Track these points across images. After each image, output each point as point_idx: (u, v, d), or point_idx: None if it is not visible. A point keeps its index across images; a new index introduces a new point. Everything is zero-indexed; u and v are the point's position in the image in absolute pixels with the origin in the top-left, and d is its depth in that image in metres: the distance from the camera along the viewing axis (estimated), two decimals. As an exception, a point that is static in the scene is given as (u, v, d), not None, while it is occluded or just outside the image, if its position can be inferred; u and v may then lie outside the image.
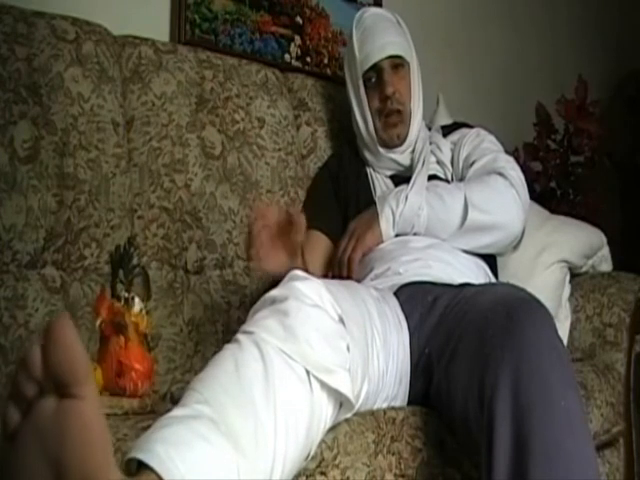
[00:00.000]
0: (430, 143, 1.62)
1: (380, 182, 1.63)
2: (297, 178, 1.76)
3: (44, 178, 1.35)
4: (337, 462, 0.93)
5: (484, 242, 1.44)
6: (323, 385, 0.89)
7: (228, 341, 0.91)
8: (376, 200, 1.50)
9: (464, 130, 1.65)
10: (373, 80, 1.59)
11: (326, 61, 2.08)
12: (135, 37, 1.60)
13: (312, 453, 0.90)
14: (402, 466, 1.01)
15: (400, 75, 1.59)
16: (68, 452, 0.63)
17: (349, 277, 1.40)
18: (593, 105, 2.47)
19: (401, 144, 1.60)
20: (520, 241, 1.52)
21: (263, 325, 0.90)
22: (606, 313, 1.78)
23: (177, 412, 0.80)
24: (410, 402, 1.17)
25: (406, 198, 1.42)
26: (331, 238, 1.60)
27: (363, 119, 1.63)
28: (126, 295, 1.13)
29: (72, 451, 0.63)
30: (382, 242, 1.43)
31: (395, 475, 1.00)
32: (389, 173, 1.64)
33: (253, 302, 0.99)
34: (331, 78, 2.04)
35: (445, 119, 1.98)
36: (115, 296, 1.13)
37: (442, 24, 2.50)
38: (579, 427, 0.90)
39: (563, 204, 2.40)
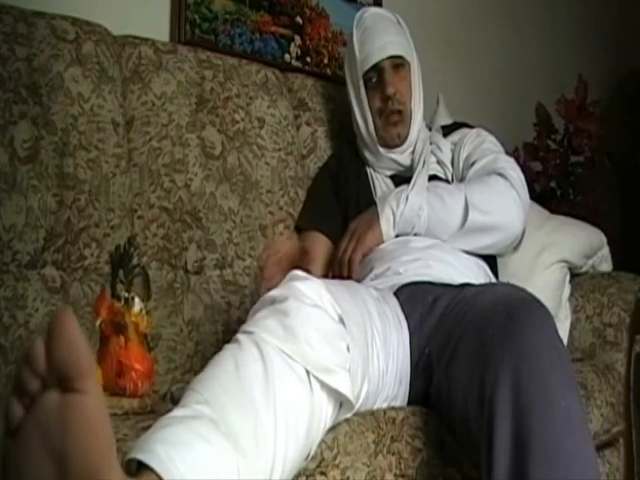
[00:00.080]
0: (430, 143, 1.62)
1: (380, 182, 1.63)
2: (297, 178, 1.76)
3: (44, 178, 1.35)
4: (337, 462, 0.93)
5: (484, 243, 1.44)
6: (323, 385, 0.89)
7: (228, 341, 0.91)
8: (376, 200, 1.50)
9: (464, 130, 1.65)
10: (374, 80, 1.59)
11: (326, 61, 2.08)
12: (135, 37, 1.60)
13: (312, 453, 0.90)
14: (402, 466, 1.01)
15: (401, 75, 1.59)
16: (71, 446, 0.64)
17: (349, 277, 1.40)
18: (593, 105, 2.47)
19: (401, 144, 1.60)
20: (520, 242, 1.52)
21: (263, 325, 0.90)
22: (606, 313, 1.78)
23: (177, 412, 0.80)
24: (410, 402, 1.17)
25: (407, 198, 1.42)
26: (331, 238, 1.60)
27: (363, 119, 1.63)
28: (126, 295, 1.13)
29: (74, 445, 0.64)
30: (382, 242, 1.43)
31: (395, 475, 1.00)
32: (389, 173, 1.64)
33: (253, 302, 1.00)
34: (331, 78, 2.04)
35: (445, 119, 1.98)
36: (115, 296, 1.13)
37: (442, 24, 2.50)
38: (579, 427, 0.90)
39: (563, 204, 2.40)
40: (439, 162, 1.60)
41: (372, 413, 1.03)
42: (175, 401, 1.03)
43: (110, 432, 0.66)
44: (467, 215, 1.40)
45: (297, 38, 2.02)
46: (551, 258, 1.83)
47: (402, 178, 1.55)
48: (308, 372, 0.87)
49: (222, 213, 1.59)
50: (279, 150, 1.74)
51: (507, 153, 1.61)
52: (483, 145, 1.58)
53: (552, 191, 2.47)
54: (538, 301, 1.02)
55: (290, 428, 0.83)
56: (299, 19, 2.03)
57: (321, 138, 1.86)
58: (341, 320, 0.96)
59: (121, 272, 1.15)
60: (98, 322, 1.12)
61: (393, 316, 1.18)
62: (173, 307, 1.48)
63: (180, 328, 1.47)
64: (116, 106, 1.50)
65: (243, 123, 1.69)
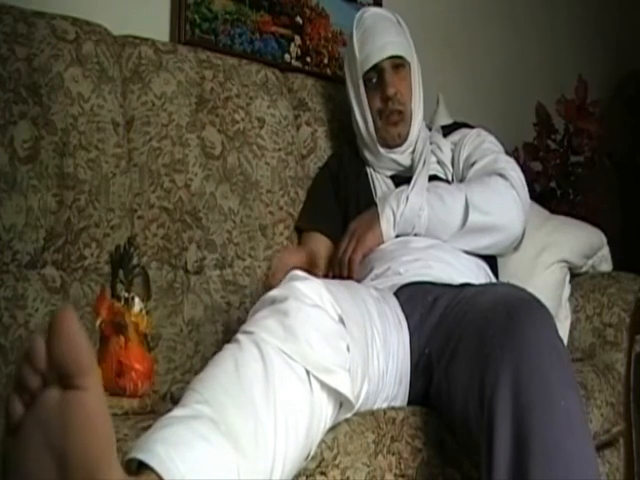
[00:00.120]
0: (430, 143, 1.62)
1: (380, 182, 1.63)
2: (297, 178, 1.76)
3: (44, 178, 1.35)
4: (337, 462, 0.93)
5: (484, 243, 1.44)
6: (323, 385, 0.89)
7: (228, 341, 0.91)
8: (377, 201, 1.50)
9: (465, 130, 1.65)
10: (374, 80, 1.59)
11: (326, 61, 2.08)
12: (135, 37, 1.60)
13: (312, 453, 0.90)
14: (402, 466, 1.01)
15: (401, 75, 1.59)
16: (71, 443, 0.64)
17: (349, 277, 1.40)
18: (593, 105, 2.47)
19: (402, 144, 1.60)
20: (521, 242, 1.53)
21: (263, 325, 0.90)
22: (606, 313, 1.78)
23: (177, 412, 0.80)
24: (410, 402, 1.17)
25: (407, 199, 1.42)
26: (331, 239, 1.60)
27: (363, 119, 1.63)
28: (126, 295, 1.13)
29: (75, 442, 0.64)
30: (383, 243, 1.43)
31: (395, 475, 1.00)
32: (389, 173, 1.64)
33: (253, 302, 1.00)
34: (331, 78, 2.04)
35: (445, 119, 1.98)
36: (115, 296, 1.13)
37: (442, 24, 2.50)
38: (579, 427, 0.90)
39: (563, 204, 2.40)
40: (439, 162, 1.60)
41: (372, 413, 1.03)
42: (175, 401, 1.03)
43: (111, 429, 0.66)
44: (467, 215, 1.40)
45: (297, 38, 2.02)
46: (551, 258, 1.83)
47: (402, 178, 1.55)
48: (308, 372, 0.87)
49: (222, 213, 1.59)
50: (279, 150, 1.74)
51: (507, 153, 1.61)
52: (483, 145, 1.58)
53: (552, 191, 2.47)
54: (538, 301, 1.02)
55: (290, 428, 0.83)
56: (299, 19, 2.03)
57: (321, 138, 1.86)
58: (341, 320, 0.96)
59: (121, 272, 1.14)
60: (98, 322, 1.12)
61: (393, 316, 1.18)
62: (173, 307, 1.48)
63: (180, 328, 1.47)
64: (116, 106, 1.50)
65: (243, 123, 1.69)
